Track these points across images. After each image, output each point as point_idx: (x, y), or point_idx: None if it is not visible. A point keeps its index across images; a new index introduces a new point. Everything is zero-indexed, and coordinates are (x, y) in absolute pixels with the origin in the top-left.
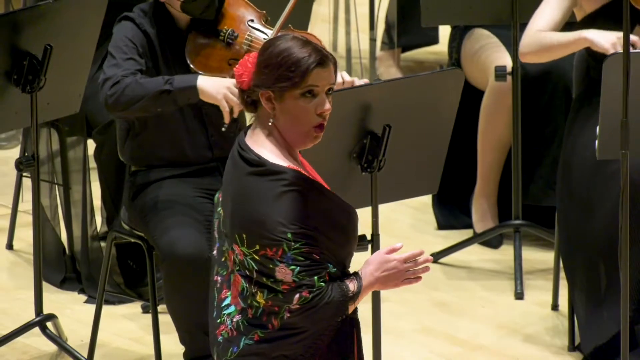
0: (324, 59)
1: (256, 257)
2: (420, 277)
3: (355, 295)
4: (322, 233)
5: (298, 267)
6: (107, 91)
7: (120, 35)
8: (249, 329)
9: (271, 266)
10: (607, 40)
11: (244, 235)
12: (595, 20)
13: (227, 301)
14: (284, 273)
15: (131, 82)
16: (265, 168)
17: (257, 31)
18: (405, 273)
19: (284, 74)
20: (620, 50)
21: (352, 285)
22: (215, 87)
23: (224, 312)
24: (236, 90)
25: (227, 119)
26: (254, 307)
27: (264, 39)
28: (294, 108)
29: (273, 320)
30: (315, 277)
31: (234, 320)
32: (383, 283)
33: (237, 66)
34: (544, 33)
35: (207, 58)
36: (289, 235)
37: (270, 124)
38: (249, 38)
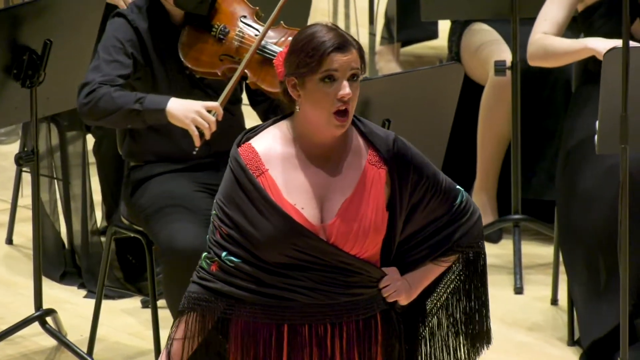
0: (343, 43)
1: None
2: None
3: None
4: (242, 218)
5: (208, 235)
6: (82, 99)
7: (109, 33)
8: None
9: None
10: (607, 48)
11: None
12: (595, 12)
13: None
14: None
15: (105, 95)
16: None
17: (249, 27)
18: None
19: (303, 59)
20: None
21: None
22: (184, 111)
23: None
24: (206, 114)
25: (197, 143)
26: None
27: (255, 35)
28: (315, 93)
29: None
30: (204, 255)
31: None
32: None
33: (276, 57)
34: (549, 39)
35: (200, 53)
36: (214, 201)
37: (297, 110)
38: (240, 34)
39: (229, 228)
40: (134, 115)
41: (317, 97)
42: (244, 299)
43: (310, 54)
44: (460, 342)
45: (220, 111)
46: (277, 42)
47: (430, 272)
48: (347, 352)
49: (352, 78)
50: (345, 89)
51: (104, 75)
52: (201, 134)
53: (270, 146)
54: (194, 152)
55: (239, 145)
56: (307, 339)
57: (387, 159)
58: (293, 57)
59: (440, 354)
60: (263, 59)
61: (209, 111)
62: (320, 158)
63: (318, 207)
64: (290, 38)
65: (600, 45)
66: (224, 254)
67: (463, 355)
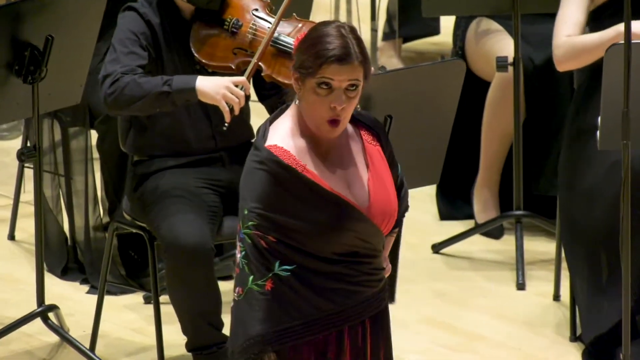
0: (344, 56)
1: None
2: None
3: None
4: (289, 218)
5: (244, 251)
6: (107, 89)
7: (123, 26)
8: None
9: (236, 239)
10: None
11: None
12: (605, 11)
13: None
14: (238, 249)
15: (130, 82)
16: (255, 140)
17: (262, 20)
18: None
19: (306, 61)
20: None
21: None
22: (214, 87)
23: None
24: (235, 89)
25: (227, 119)
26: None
27: (268, 28)
28: (311, 95)
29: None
30: (251, 277)
31: None
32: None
33: (294, 41)
34: (577, 38)
35: (212, 47)
36: (245, 212)
37: (296, 102)
38: (253, 27)
39: (275, 232)
40: (163, 98)
41: (312, 99)
42: (300, 318)
43: (312, 58)
44: None
45: (248, 85)
46: (290, 34)
47: (389, 244)
48: (373, 346)
49: (350, 87)
50: (339, 99)
51: (124, 66)
52: (231, 109)
53: (292, 143)
54: (224, 128)
55: (254, 145)
56: (348, 342)
57: (376, 134)
58: (300, 53)
59: None
60: (277, 51)
61: (237, 86)
62: (328, 148)
63: (351, 194)
64: (303, 29)
65: (637, 26)
66: (277, 263)
67: None
